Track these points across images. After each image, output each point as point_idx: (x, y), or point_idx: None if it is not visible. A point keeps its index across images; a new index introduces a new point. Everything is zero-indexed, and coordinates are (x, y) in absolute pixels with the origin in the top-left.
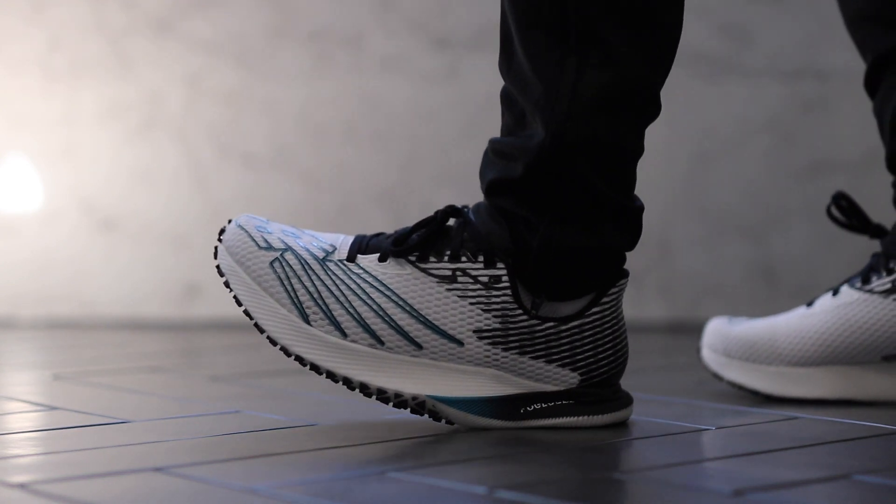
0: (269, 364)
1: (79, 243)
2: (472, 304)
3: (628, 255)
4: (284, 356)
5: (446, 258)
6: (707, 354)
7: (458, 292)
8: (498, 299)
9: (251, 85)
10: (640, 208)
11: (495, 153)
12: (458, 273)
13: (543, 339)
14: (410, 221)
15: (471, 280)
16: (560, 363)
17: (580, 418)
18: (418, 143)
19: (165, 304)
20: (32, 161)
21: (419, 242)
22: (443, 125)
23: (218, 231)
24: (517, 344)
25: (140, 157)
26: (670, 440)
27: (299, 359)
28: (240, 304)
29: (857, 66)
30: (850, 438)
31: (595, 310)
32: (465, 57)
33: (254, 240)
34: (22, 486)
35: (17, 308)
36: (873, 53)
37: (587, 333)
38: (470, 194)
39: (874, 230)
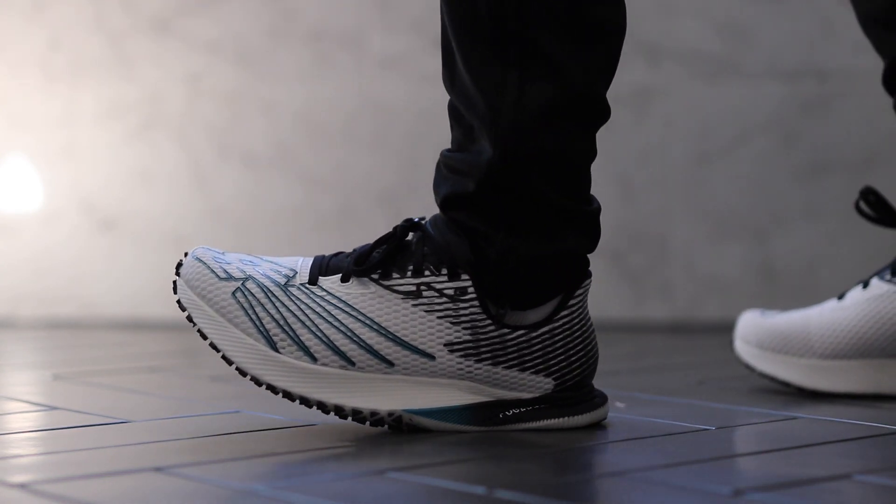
0: None
1: (79, 243)
2: (439, 317)
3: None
4: (255, 385)
5: (409, 273)
6: (740, 346)
7: (425, 307)
8: (466, 311)
9: (251, 85)
10: (597, 210)
11: (447, 168)
12: (422, 287)
13: (515, 348)
14: None
15: (436, 294)
16: (534, 370)
17: (559, 420)
18: (418, 143)
19: (165, 305)
20: (32, 161)
21: (380, 260)
22: (443, 125)
23: (175, 264)
24: (489, 354)
25: (140, 157)
26: (670, 440)
27: (271, 387)
28: (205, 338)
29: (857, 65)
30: (850, 438)
31: (563, 313)
32: None
33: (213, 271)
34: (22, 486)
35: (17, 308)
36: (888, 57)
37: (558, 338)
38: None
39: None
